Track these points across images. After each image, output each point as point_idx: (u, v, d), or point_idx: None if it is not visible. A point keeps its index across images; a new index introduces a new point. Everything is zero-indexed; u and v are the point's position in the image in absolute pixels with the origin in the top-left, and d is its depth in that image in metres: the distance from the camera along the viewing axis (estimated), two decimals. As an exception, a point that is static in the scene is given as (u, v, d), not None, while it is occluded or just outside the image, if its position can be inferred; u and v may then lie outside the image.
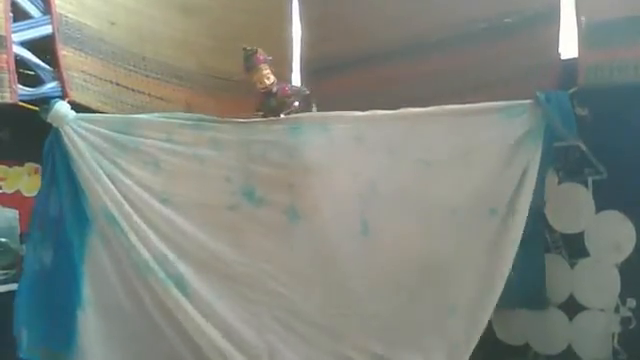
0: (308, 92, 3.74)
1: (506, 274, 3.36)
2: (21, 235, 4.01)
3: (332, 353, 3.48)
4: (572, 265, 3.88)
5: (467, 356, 3.38)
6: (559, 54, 3.85)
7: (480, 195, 3.44)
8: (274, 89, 3.64)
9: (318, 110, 3.66)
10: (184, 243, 3.48)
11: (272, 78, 3.63)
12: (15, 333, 3.30)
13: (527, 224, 3.41)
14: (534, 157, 3.40)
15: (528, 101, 3.44)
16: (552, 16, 3.85)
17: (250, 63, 3.64)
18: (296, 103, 3.73)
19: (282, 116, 3.66)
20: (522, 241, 3.39)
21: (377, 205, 3.51)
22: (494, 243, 3.40)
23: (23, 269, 3.45)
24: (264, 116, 3.67)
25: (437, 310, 3.47)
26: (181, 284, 3.40)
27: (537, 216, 3.54)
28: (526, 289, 3.62)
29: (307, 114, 3.63)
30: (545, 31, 3.88)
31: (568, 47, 3.80)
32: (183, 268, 3.43)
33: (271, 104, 3.65)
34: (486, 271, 3.40)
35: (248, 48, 3.65)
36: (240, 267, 3.52)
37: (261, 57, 3.63)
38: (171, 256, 3.43)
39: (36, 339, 3.33)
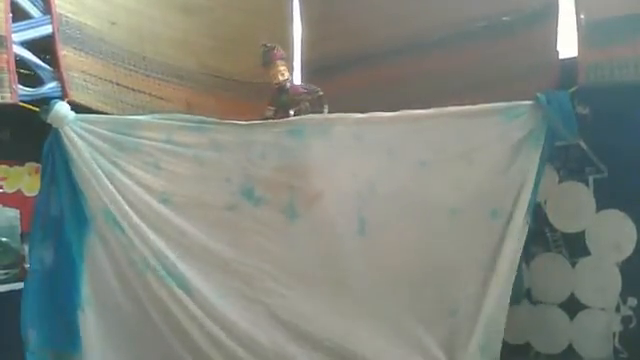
0: (321, 93, 3.77)
1: (512, 277, 3.34)
2: (22, 235, 4.02)
3: (333, 351, 3.49)
4: (573, 264, 3.89)
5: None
6: (557, 52, 3.85)
7: (481, 196, 3.42)
8: (287, 85, 3.73)
9: (329, 111, 3.67)
10: (184, 243, 3.47)
11: (287, 75, 3.74)
12: (22, 334, 3.29)
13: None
14: (534, 159, 3.38)
15: (528, 102, 3.41)
16: (550, 14, 3.85)
17: (267, 58, 3.72)
18: (307, 103, 3.76)
19: (291, 113, 3.70)
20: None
21: (375, 205, 3.50)
22: (497, 245, 3.39)
23: (28, 270, 3.44)
24: (276, 111, 3.72)
25: (438, 311, 3.45)
26: (183, 283, 3.40)
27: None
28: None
29: (307, 116, 3.63)
30: (544, 29, 3.88)
31: (568, 46, 3.80)
32: (184, 268, 3.43)
33: (282, 100, 3.73)
34: (490, 274, 3.38)
35: (267, 44, 3.73)
36: (240, 266, 3.51)
37: (278, 53, 3.73)
38: (171, 256, 3.42)
39: (42, 340, 3.32)
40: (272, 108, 3.73)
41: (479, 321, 3.36)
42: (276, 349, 3.42)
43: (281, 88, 3.73)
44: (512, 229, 3.35)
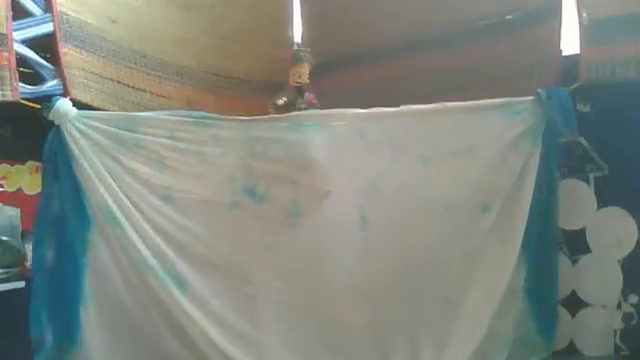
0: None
1: (508, 273, 3.35)
2: (23, 233, 4.00)
3: (333, 349, 3.49)
4: (574, 262, 3.88)
5: (467, 352, 3.39)
6: (560, 50, 3.86)
7: (473, 191, 3.47)
8: (305, 91, 3.76)
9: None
10: (184, 240, 3.49)
11: (307, 79, 3.77)
12: (34, 336, 3.28)
13: (536, 223, 3.46)
14: (533, 155, 3.41)
15: (529, 98, 3.44)
16: (553, 12, 3.86)
17: (300, 56, 3.78)
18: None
19: None
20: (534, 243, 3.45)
21: (376, 201, 3.53)
22: (488, 240, 3.42)
23: (33, 271, 3.44)
24: (287, 105, 3.73)
25: (433, 304, 3.51)
26: (179, 282, 3.41)
27: (548, 215, 3.57)
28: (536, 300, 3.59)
29: (309, 112, 3.64)
30: (546, 27, 3.89)
31: (570, 43, 3.81)
32: (182, 265, 3.45)
33: (298, 101, 3.75)
34: (483, 269, 3.41)
35: (300, 45, 3.88)
36: (240, 264, 3.53)
37: (309, 57, 3.79)
38: (170, 253, 3.44)
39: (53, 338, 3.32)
40: (285, 99, 3.73)
41: (479, 319, 3.38)
42: (273, 350, 3.43)
43: (299, 89, 3.75)
44: (508, 226, 3.37)
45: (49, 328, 3.30)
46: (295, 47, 3.82)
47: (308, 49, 3.81)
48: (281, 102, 3.72)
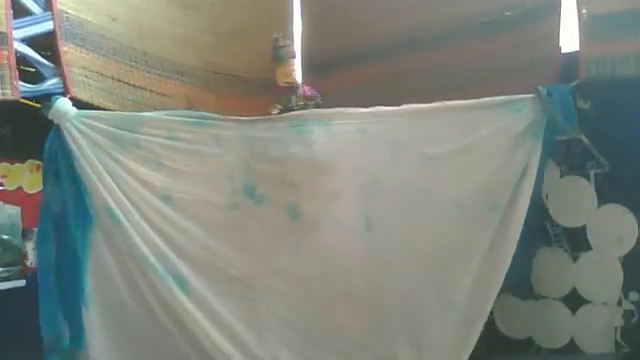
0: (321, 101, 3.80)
1: (504, 272, 3.35)
2: (23, 232, 4.01)
3: (333, 351, 3.49)
4: (574, 259, 3.89)
5: (467, 353, 3.39)
6: (560, 47, 3.86)
7: (482, 190, 3.43)
8: (297, 86, 3.74)
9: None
10: (184, 241, 3.47)
11: (295, 75, 3.74)
12: (48, 336, 3.27)
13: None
14: (535, 152, 3.40)
15: (530, 95, 3.43)
16: (553, 9, 3.86)
17: (281, 55, 3.72)
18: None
19: None
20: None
21: (380, 201, 3.50)
22: (494, 239, 3.40)
23: (40, 271, 3.42)
24: (282, 111, 3.70)
25: (438, 305, 3.47)
26: (181, 282, 3.40)
27: (531, 207, 3.53)
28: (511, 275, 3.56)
29: (309, 111, 3.64)
30: (546, 24, 3.89)
31: (570, 40, 3.81)
32: (183, 266, 3.43)
33: (291, 102, 3.72)
34: (485, 268, 3.40)
35: (280, 39, 3.73)
36: (240, 265, 3.51)
37: (292, 51, 3.75)
38: (171, 254, 3.43)
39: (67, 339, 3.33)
40: (279, 107, 3.71)
41: (477, 316, 3.39)
42: (275, 349, 3.43)
43: (291, 88, 3.72)
44: (511, 224, 3.37)
45: (65, 328, 3.30)
46: (274, 44, 3.72)
47: (288, 42, 3.76)
48: (275, 112, 3.69)
